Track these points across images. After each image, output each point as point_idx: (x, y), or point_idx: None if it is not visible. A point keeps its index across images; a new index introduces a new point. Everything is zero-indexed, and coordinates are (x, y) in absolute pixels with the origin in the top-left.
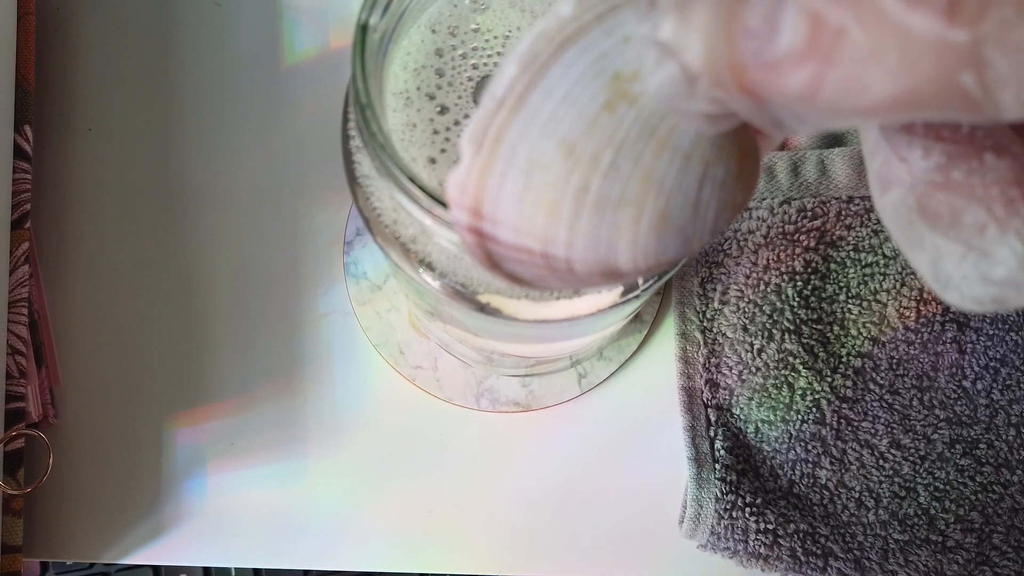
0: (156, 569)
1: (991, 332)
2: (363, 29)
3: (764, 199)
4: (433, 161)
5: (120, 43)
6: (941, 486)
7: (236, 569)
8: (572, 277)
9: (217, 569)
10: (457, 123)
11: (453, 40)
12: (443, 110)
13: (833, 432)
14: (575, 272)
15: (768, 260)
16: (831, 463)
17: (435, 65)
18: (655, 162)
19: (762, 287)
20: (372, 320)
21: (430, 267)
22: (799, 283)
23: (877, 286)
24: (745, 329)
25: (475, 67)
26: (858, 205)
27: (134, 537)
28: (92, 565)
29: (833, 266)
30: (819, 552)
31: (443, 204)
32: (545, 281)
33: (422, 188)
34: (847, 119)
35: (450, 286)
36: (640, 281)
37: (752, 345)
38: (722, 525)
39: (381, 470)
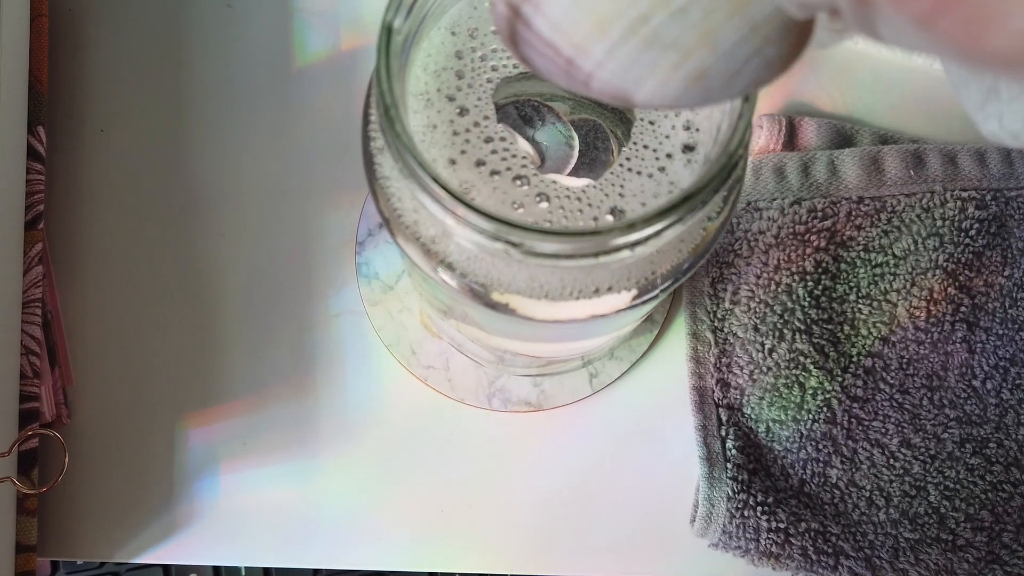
0: (166, 568)
1: (1000, 332)
2: (388, 30)
3: (775, 199)
4: (453, 162)
5: (132, 45)
6: (951, 485)
7: (246, 568)
8: (582, 88)
9: (227, 568)
10: (477, 124)
11: (473, 42)
12: (463, 112)
13: (844, 431)
14: (589, 87)
15: (779, 260)
16: (842, 462)
17: (455, 67)
18: (723, 22)
19: (773, 287)
20: (384, 320)
21: (450, 267)
22: (810, 283)
23: (887, 286)
24: (756, 329)
25: (494, 69)
26: (868, 205)
27: (147, 536)
28: (102, 564)
29: (843, 266)
30: (830, 551)
31: (466, 204)
32: (554, 78)
33: (445, 188)
34: (948, 58)
35: (468, 285)
36: (658, 281)
37: (763, 345)
38: (734, 524)
39: (392, 470)
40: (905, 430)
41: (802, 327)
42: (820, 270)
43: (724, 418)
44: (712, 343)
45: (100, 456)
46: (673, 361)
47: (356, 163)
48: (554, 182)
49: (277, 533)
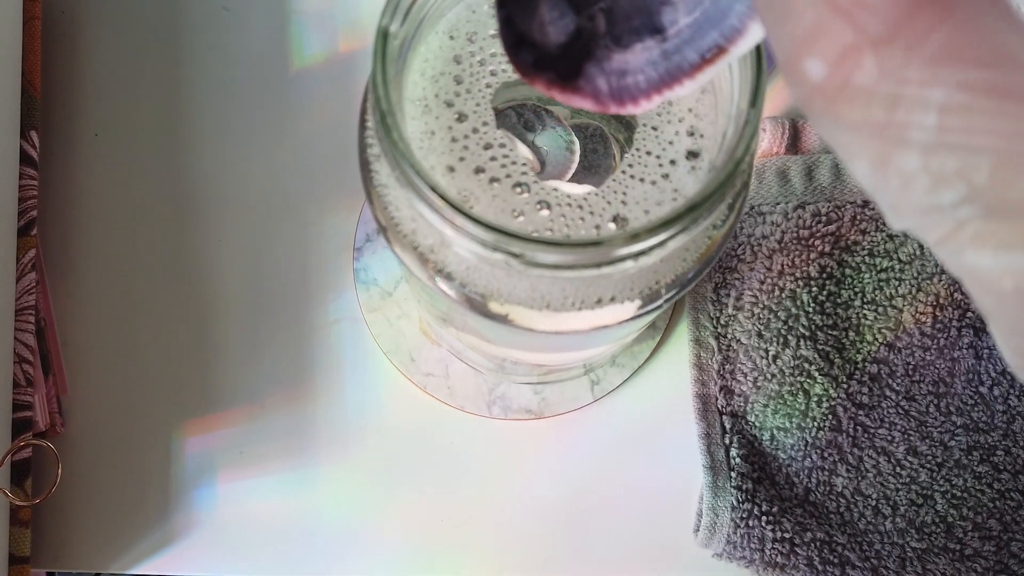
0: None
1: None
2: (384, 35)
3: (778, 203)
4: (452, 169)
5: (127, 47)
6: (959, 493)
7: None
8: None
9: None
10: (475, 131)
11: (471, 46)
12: (461, 117)
13: (849, 439)
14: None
15: (783, 265)
16: (847, 470)
17: (453, 72)
18: None
19: (777, 293)
20: (383, 327)
21: (448, 277)
22: (814, 289)
23: (893, 291)
24: (760, 335)
25: (493, 74)
26: (873, 209)
27: (143, 547)
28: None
29: (848, 271)
30: (836, 561)
31: (464, 214)
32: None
33: (443, 197)
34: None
35: (467, 296)
36: (663, 291)
37: (767, 351)
38: (738, 534)
39: (392, 478)
40: (911, 437)
41: (806, 333)
42: (824, 275)
43: (728, 426)
44: (715, 350)
45: (95, 466)
46: (676, 368)
47: (354, 167)
48: (555, 189)
49: (275, 543)
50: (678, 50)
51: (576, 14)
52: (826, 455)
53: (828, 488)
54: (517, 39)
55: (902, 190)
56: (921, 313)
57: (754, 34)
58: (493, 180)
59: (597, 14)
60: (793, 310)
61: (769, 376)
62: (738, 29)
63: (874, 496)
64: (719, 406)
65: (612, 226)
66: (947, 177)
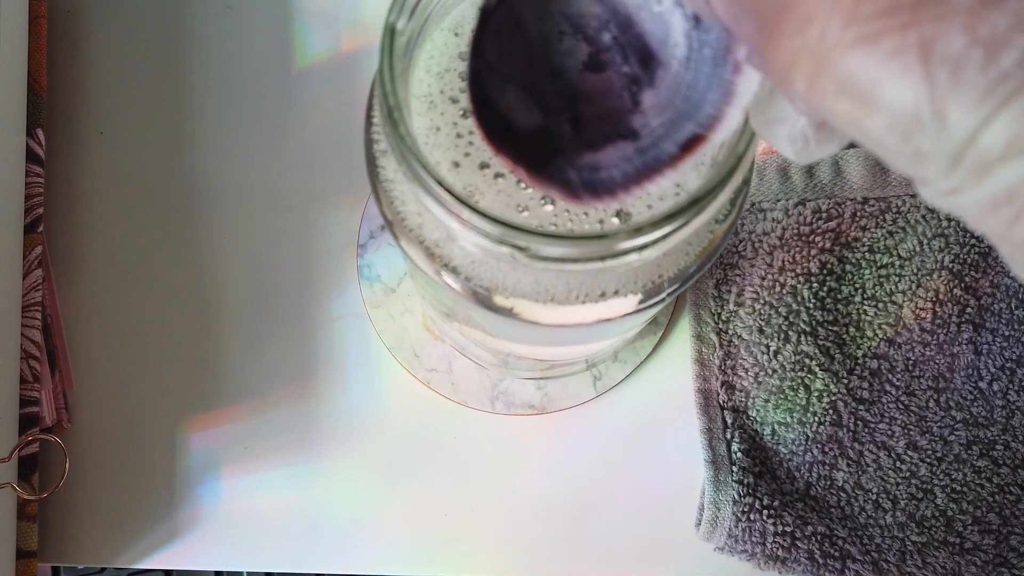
0: (168, 573)
1: (1007, 333)
2: (391, 32)
3: (779, 200)
4: (457, 165)
5: (132, 46)
6: (958, 488)
7: (248, 573)
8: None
9: (229, 573)
10: None
11: None
12: (466, 114)
13: (850, 434)
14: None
15: (783, 262)
16: (848, 465)
17: (458, 68)
18: None
19: (777, 289)
20: (386, 323)
21: (454, 271)
22: (814, 285)
23: (893, 287)
24: (761, 331)
25: None
26: (873, 206)
27: (148, 541)
28: (103, 570)
29: (848, 267)
30: (837, 554)
31: (471, 208)
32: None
33: (450, 191)
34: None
35: (472, 289)
36: (665, 285)
37: (768, 347)
38: (739, 528)
39: (395, 473)
40: (911, 432)
41: (807, 329)
42: (825, 271)
43: (729, 421)
44: (717, 345)
45: (101, 461)
46: (677, 363)
47: (357, 164)
48: None
49: (279, 537)
50: (653, 145)
51: (542, 114)
52: (827, 450)
53: (829, 482)
54: (485, 100)
55: (954, 80)
56: (921, 309)
57: (733, 118)
58: (498, 175)
59: (563, 123)
60: (794, 306)
61: (770, 371)
62: (715, 116)
63: (874, 490)
64: (720, 401)
65: (615, 221)
66: (1002, 36)
